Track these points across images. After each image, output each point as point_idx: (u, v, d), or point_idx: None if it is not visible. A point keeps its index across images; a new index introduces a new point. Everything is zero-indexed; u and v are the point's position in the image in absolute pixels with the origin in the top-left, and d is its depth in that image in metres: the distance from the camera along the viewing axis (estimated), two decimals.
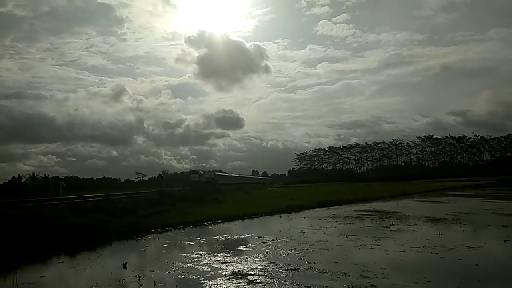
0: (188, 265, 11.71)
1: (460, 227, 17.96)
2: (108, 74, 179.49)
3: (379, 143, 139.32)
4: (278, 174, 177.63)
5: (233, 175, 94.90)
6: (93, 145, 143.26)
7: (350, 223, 20.77)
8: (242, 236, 17.50)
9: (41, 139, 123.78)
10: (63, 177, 70.10)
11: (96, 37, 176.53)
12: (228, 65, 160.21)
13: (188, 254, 13.41)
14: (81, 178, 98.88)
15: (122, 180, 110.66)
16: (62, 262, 13.36)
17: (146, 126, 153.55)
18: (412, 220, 21.24)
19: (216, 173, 75.86)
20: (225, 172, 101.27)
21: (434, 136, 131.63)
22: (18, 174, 67.33)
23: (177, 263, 12.00)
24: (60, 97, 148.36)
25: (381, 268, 10.44)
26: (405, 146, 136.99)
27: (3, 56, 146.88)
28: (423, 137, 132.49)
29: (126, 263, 11.79)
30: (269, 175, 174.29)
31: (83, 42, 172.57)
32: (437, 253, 12.14)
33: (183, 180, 72.94)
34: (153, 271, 11.09)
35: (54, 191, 41.68)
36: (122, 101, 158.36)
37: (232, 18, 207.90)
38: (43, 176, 69.73)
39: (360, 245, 14.12)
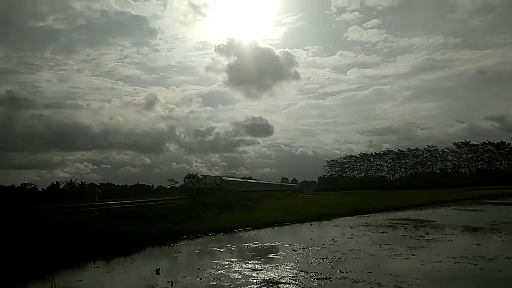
0: (219, 272, 11.78)
1: (500, 237, 17.19)
2: (142, 83, 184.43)
3: (413, 149, 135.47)
4: (308, 181, 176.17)
5: (249, 181, 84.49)
6: (127, 152, 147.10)
7: (383, 232, 20.29)
8: (273, 244, 17.45)
9: (77, 147, 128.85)
10: (98, 184, 72.15)
11: (130, 48, 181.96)
12: (257, 72, 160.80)
13: (219, 261, 13.50)
14: (116, 184, 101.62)
15: (155, 187, 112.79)
16: (98, 267, 13.75)
17: (177, 134, 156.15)
18: (448, 229, 20.52)
19: (224, 178, 63.79)
20: (246, 178, 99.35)
21: (471, 142, 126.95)
22: (57, 181, 70.19)
23: (208, 269, 12.10)
24: (96, 106, 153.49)
25: (416, 278, 10.14)
26: (440, 153, 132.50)
27: (43, 68, 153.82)
28: (459, 143, 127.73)
29: (159, 268, 12.01)
30: (299, 182, 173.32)
31: (118, 53, 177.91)
32: (475, 264, 11.66)
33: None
34: (185, 277, 11.24)
35: (90, 197, 43.09)
36: (154, 109, 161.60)
37: (261, 26, 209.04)
38: (80, 183, 72.28)
39: (394, 254, 13.76)
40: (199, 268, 12.32)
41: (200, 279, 11.02)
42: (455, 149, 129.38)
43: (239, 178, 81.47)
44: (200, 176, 52.47)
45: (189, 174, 53.48)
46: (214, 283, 10.55)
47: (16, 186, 53.82)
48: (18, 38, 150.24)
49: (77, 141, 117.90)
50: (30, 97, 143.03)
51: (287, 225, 25.71)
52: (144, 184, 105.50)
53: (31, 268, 13.41)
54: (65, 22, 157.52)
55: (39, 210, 21.14)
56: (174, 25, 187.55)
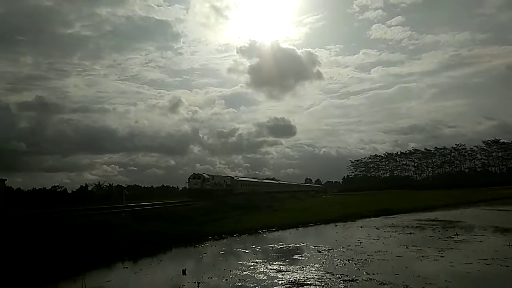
0: (245, 273, 11.85)
1: None
2: (166, 87, 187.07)
3: (440, 148, 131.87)
4: (331, 181, 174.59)
5: (265, 181, 78.96)
6: (152, 155, 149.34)
7: (410, 233, 19.91)
8: (297, 245, 17.40)
9: (105, 150, 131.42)
10: (125, 186, 73.45)
11: (154, 53, 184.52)
12: (279, 73, 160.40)
13: (244, 262, 13.57)
14: (142, 186, 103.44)
15: (180, 188, 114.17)
16: (126, 267, 14.05)
17: (201, 135, 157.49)
18: (478, 230, 19.96)
19: (235, 178, 58.11)
20: (270, 179, 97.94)
21: (501, 140, 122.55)
22: (85, 183, 71.92)
23: (234, 270, 12.19)
24: (122, 110, 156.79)
25: (445, 281, 9.92)
26: (469, 151, 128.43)
27: (71, 73, 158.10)
28: (489, 142, 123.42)
29: (185, 269, 12.19)
30: (323, 183, 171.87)
31: (143, 57, 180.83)
32: (507, 266, 11.32)
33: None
34: (211, 278, 11.36)
35: (118, 199, 44.03)
36: (178, 112, 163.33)
37: (282, 27, 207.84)
38: (108, 185, 73.87)
39: (422, 256, 13.50)
40: (224, 269, 12.42)
41: (226, 280, 11.11)
42: (485, 147, 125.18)
43: (254, 178, 75.00)
44: (207, 176, 47.24)
45: (194, 173, 47.40)
46: (240, 284, 10.62)
47: (47, 188, 55.48)
48: (48, 45, 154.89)
49: (105, 144, 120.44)
50: (59, 102, 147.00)
51: (311, 226, 25.57)
52: (169, 186, 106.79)
53: (62, 268, 13.82)
54: (92, 29, 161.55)
55: (69, 212, 21.77)
56: (196, 28, 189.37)
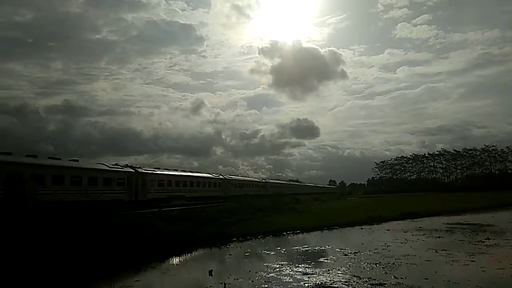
0: (270, 275, 11.87)
1: None
2: (190, 90, 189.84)
3: (470, 149, 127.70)
4: (356, 183, 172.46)
5: (271, 181, 71.31)
6: (176, 156, 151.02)
7: (439, 237, 19.45)
8: (323, 248, 17.29)
9: (130, 152, 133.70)
10: None
11: (178, 56, 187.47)
12: (302, 73, 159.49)
13: (270, 264, 13.59)
14: None
15: None
16: (154, 267, 14.30)
17: (224, 137, 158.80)
18: (510, 234, 19.35)
19: (228, 177, 53.02)
20: (292, 180, 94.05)
21: None
22: None
23: (259, 272, 12.23)
24: (147, 112, 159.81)
25: (477, 286, 9.68)
26: (499, 153, 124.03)
27: (98, 78, 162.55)
28: None
29: (211, 270, 12.32)
30: (347, 185, 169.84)
31: (168, 61, 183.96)
32: None
33: None
34: (237, 279, 11.44)
35: None
36: (201, 114, 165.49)
37: (305, 28, 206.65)
38: None
39: (452, 260, 13.17)
40: (250, 271, 12.47)
41: (252, 281, 11.16)
42: None
43: (256, 178, 68.25)
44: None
45: None
46: (266, 286, 10.64)
47: None
48: (76, 51, 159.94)
49: (130, 146, 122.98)
50: (87, 106, 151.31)
51: (336, 228, 25.33)
52: None
53: (92, 268, 14.18)
54: (119, 34, 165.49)
55: (101, 213, 22.29)
56: (219, 30, 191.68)
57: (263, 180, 68.61)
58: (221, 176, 51.30)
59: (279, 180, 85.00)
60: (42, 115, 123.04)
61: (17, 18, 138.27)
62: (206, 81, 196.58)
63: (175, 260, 15.84)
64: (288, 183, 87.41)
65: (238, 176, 65.98)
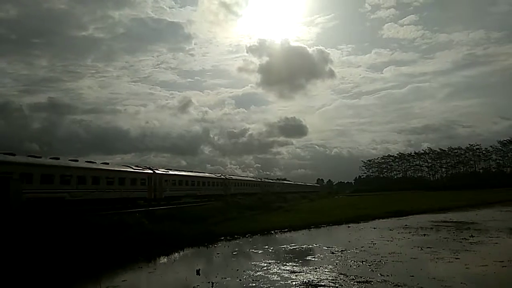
0: (258, 273, 11.88)
1: None
2: (178, 88, 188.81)
3: (455, 148, 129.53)
4: (343, 182, 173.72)
5: (233, 177, 61.10)
6: (164, 155, 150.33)
7: (424, 234, 19.72)
8: (310, 246, 17.37)
9: (117, 150, 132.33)
10: None
11: (166, 54, 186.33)
12: (290, 72, 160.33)
13: (257, 263, 13.61)
14: None
15: None
16: (141, 267, 14.18)
17: (211, 136, 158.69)
18: (494, 231, 19.67)
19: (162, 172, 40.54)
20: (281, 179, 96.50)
21: None
22: None
23: (247, 271, 12.23)
24: (133, 111, 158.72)
25: (461, 283, 9.83)
26: (484, 152, 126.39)
27: (84, 75, 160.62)
28: (504, 141, 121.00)
29: (199, 269, 12.28)
30: (334, 183, 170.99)
31: (155, 59, 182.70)
32: None
33: None
34: (224, 278, 11.43)
35: None
36: (189, 113, 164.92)
37: (293, 27, 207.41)
38: None
39: (437, 258, 13.37)
40: (238, 269, 12.47)
41: (240, 280, 11.16)
42: (500, 148, 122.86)
43: (211, 174, 56.28)
44: None
45: None
46: (254, 284, 10.65)
47: None
48: (62, 48, 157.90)
49: (117, 145, 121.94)
50: (72, 103, 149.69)
51: (323, 226, 25.49)
52: None
53: (78, 268, 14.00)
54: (105, 31, 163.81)
55: (83, 212, 22.03)
56: (206, 27, 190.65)
57: (259, 179, 73.37)
58: (222, 176, 54.97)
59: (271, 179, 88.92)
60: (26, 113, 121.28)
61: (1, 14, 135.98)
62: (194, 79, 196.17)
63: (162, 259, 15.73)
64: (280, 182, 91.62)
65: (238, 176, 70.91)
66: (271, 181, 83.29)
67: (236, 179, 60.42)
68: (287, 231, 23.07)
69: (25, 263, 12.89)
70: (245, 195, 50.32)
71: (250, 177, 75.20)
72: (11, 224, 16.17)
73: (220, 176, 54.45)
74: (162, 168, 40.24)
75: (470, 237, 17.87)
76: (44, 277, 12.33)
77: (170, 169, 41.50)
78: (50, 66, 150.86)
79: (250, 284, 10.67)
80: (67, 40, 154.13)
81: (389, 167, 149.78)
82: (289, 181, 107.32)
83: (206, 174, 52.34)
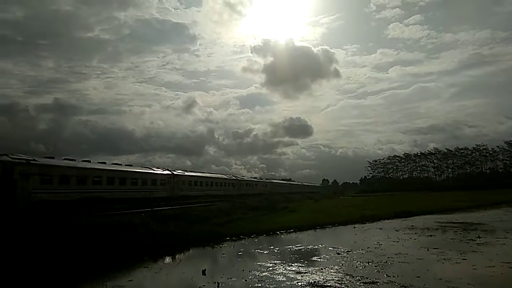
0: (264, 274, 11.88)
1: None
2: (183, 89, 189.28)
3: (461, 149, 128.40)
4: (349, 182, 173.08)
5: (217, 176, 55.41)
6: (169, 155, 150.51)
7: (431, 235, 19.61)
8: (316, 247, 17.33)
9: (122, 151, 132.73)
10: None
11: (171, 55, 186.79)
12: (295, 72, 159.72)
13: (263, 263, 13.60)
14: None
15: None
16: (147, 267, 14.21)
17: (216, 136, 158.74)
18: (501, 232, 19.51)
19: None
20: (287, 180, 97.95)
21: None
22: None
23: (252, 271, 12.23)
24: (139, 111, 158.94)
25: (468, 284, 9.76)
26: (490, 152, 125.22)
27: (90, 76, 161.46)
28: (511, 142, 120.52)
29: (205, 269, 12.28)
30: (340, 184, 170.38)
31: (160, 60, 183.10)
32: None
33: None
34: (230, 278, 11.43)
35: None
36: (194, 113, 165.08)
37: (298, 27, 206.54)
38: None
39: (444, 259, 13.28)
40: (243, 270, 12.47)
41: (245, 280, 11.16)
42: (507, 148, 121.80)
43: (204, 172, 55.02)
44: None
45: None
46: (259, 285, 10.64)
47: None
48: (68, 49, 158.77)
49: (122, 145, 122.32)
50: (78, 104, 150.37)
51: (329, 227, 25.42)
52: None
53: (83, 268, 14.09)
54: (111, 32, 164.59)
55: (89, 213, 22.17)
56: (211, 27, 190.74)
57: (267, 180, 76.84)
58: (233, 177, 58.09)
59: (278, 180, 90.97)
60: (32, 114, 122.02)
61: (7, 15, 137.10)
62: (199, 80, 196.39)
63: (168, 259, 15.79)
64: (288, 183, 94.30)
65: (249, 177, 74.19)
66: (280, 181, 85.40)
67: (247, 180, 63.45)
68: (292, 232, 23.04)
69: (30, 263, 12.98)
70: (254, 195, 51.48)
71: (258, 178, 77.61)
72: (17, 224, 16.31)
73: (231, 177, 57.35)
74: (179, 169, 42.46)
75: (477, 238, 17.74)
76: (49, 277, 12.40)
77: (186, 171, 44.32)
78: (56, 67, 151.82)
79: (256, 285, 10.66)
80: (73, 41, 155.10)
81: (395, 167, 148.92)
82: (294, 181, 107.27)
83: (219, 175, 55.29)
